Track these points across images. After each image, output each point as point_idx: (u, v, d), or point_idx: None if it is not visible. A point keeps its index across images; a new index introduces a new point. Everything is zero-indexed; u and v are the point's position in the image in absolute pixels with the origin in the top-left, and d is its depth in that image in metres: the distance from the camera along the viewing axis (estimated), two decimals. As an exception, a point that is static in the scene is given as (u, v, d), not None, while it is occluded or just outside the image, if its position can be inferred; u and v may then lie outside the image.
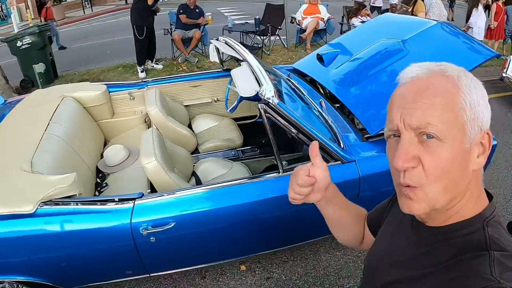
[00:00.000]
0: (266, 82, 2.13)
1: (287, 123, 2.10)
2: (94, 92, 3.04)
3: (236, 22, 9.10)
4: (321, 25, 7.85)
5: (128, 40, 9.05)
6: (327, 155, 2.17)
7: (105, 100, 3.12)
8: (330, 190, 0.93)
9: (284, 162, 2.21)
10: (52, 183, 1.82)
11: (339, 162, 2.21)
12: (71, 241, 1.86)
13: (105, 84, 3.20)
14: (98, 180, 2.68)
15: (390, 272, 0.79)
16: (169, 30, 6.75)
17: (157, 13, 6.03)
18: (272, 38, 7.74)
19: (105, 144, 3.23)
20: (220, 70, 3.67)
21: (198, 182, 2.69)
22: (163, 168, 2.13)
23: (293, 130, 2.13)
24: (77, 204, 1.87)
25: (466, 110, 0.61)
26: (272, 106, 2.02)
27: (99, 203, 1.89)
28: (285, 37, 8.17)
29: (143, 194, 1.97)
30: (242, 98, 2.40)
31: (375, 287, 0.83)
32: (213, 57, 7.08)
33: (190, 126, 3.50)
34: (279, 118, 2.08)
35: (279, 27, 7.71)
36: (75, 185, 1.85)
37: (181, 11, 6.55)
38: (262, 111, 2.03)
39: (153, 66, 6.64)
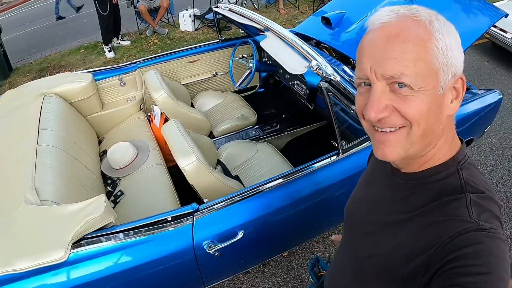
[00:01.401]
0: (317, 56, 1.78)
1: (348, 101, 1.87)
2: (79, 84, 2.47)
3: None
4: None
5: (80, 17, 8.15)
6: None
7: (93, 91, 2.56)
8: None
9: (343, 142, 1.85)
10: (78, 215, 1.35)
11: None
12: (119, 283, 1.44)
13: (89, 71, 2.62)
14: (109, 188, 2.20)
15: (368, 219, 0.79)
16: (132, 1, 5.96)
17: None
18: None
19: (99, 143, 2.71)
20: (217, 41, 3.14)
21: (226, 171, 2.31)
22: (207, 168, 1.70)
23: (353, 107, 1.89)
24: (119, 237, 1.42)
25: (438, 57, 0.58)
26: (335, 83, 1.76)
27: (144, 229, 1.45)
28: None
29: (198, 207, 1.55)
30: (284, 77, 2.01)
31: (355, 235, 0.84)
32: (185, 26, 6.42)
33: (192, 106, 3.03)
34: (341, 96, 1.84)
35: (249, -14, 7.09)
36: (108, 212, 1.39)
37: (143, -22, 5.77)
38: (324, 90, 1.71)
39: (119, 43, 5.89)
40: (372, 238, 0.76)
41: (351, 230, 0.88)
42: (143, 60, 2.85)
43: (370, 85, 0.62)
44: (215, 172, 1.77)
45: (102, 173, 2.31)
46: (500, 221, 0.62)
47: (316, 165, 1.81)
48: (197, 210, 1.53)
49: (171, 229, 1.48)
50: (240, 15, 2.49)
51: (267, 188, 1.69)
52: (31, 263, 1.24)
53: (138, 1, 5.88)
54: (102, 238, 1.37)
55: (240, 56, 3.14)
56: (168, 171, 2.27)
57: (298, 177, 1.77)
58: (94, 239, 1.35)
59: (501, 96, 2.87)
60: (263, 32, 2.28)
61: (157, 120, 2.70)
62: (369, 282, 0.78)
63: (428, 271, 0.60)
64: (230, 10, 2.63)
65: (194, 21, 6.42)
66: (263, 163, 2.40)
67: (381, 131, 0.63)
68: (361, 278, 0.81)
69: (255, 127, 2.95)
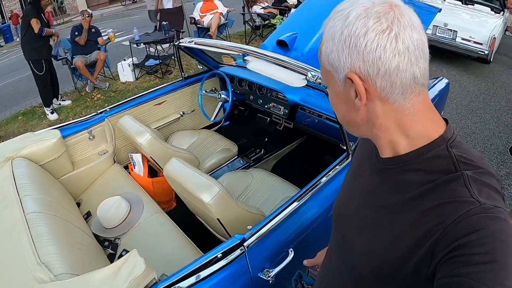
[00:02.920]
0: (311, 69, 1.76)
1: None
2: (47, 143, 2.18)
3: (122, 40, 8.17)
4: (222, 20, 7.45)
5: (9, 84, 7.52)
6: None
7: (62, 149, 2.28)
8: None
9: (351, 143, 1.82)
10: (115, 280, 1.11)
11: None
12: None
13: (54, 128, 2.35)
14: (110, 251, 1.92)
15: (360, 213, 0.75)
16: (67, 59, 5.64)
17: (55, 38, 4.96)
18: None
19: (78, 205, 2.39)
20: (180, 79, 3.03)
21: None
22: (231, 197, 1.56)
23: None
24: None
25: (325, 61, 0.64)
26: None
27: (194, 275, 1.24)
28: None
29: (243, 236, 1.39)
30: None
31: (347, 234, 0.78)
32: (125, 77, 6.21)
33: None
34: None
35: (182, 30, 7.10)
36: (149, 267, 1.17)
37: (76, 33, 5.48)
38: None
39: (60, 104, 5.48)
40: (367, 233, 0.71)
41: (342, 230, 0.82)
42: (109, 108, 2.63)
43: None
44: (238, 201, 1.62)
45: (95, 235, 2.02)
46: (502, 195, 0.60)
47: (338, 166, 1.78)
48: (245, 239, 1.37)
49: (226, 265, 1.30)
50: (209, 45, 2.42)
51: (306, 200, 1.61)
52: None
53: (73, 58, 5.58)
54: None
55: (208, 90, 3.06)
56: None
57: (325, 183, 1.71)
58: None
59: (448, 81, 3.13)
60: (234, 60, 2.24)
61: (138, 169, 2.47)
62: (368, 283, 0.72)
63: (433, 260, 0.57)
64: (195, 43, 2.56)
65: (134, 70, 6.23)
66: (264, 187, 2.29)
67: None
68: (357, 279, 0.75)
69: (240, 157, 2.85)
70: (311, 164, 2.94)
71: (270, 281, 1.41)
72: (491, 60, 6.29)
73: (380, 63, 0.57)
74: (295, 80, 1.74)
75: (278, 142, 3.05)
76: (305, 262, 1.16)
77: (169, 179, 1.76)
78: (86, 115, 2.58)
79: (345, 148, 1.90)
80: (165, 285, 1.19)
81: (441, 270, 0.55)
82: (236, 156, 2.82)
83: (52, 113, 5.11)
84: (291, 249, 1.50)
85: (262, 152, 2.91)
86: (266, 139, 3.04)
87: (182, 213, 2.26)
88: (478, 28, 6.01)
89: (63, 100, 5.57)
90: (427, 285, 0.59)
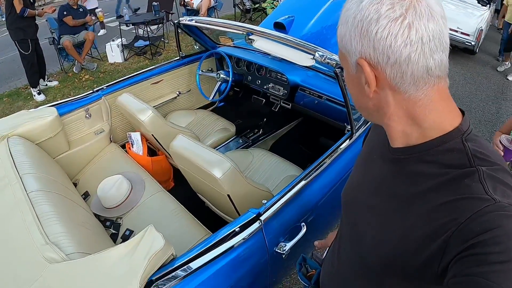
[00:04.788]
0: (318, 49, 1.74)
1: None
2: (43, 120, 2.06)
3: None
4: (212, 2, 7.26)
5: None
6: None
7: (59, 128, 2.16)
8: None
9: (355, 123, 1.81)
10: (133, 256, 1.06)
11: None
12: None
13: (51, 105, 2.24)
14: (113, 230, 1.85)
15: (371, 202, 0.71)
16: (55, 39, 5.39)
17: (40, 16, 4.72)
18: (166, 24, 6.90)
19: (74, 186, 2.30)
20: (178, 59, 2.94)
21: None
22: (241, 173, 1.52)
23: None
24: (189, 269, 1.15)
25: (340, 44, 0.62)
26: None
27: (214, 248, 1.20)
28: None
29: (258, 211, 1.36)
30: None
31: (357, 223, 0.75)
32: (113, 58, 6.00)
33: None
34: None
35: (171, 12, 6.89)
36: (167, 243, 1.12)
37: (64, 13, 5.22)
38: (339, 75, 1.67)
39: (46, 85, 5.26)
40: (377, 224, 0.68)
41: (352, 217, 0.79)
42: (106, 86, 2.51)
43: None
44: (246, 177, 1.58)
45: (95, 216, 1.95)
46: None
47: (342, 146, 1.77)
48: (260, 214, 1.35)
49: (243, 239, 1.27)
50: (211, 24, 2.34)
51: (313, 178, 1.60)
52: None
53: (60, 38, 5.35)
54: (177, 273, 1.10)
55: (204, 70, 2.98)
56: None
57: (333, 160, 1.72)
58: (166, 278, 1.08)
59: None
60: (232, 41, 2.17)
61: (137, 148, 2.39)
62: (377, 274, 0.69)
63: (445, 257, 0.54)
64: (196, 21, 2.46)
65: (123, 51, 6.03)
66: (265, 166, 2.26)
67: None
68: (367, 268, 0.72)
69: (238, 136, 2.80)
70: (308, 146, 2.92)
71: (284, 255, 1.38)
72: (477, 51, 6.38)
73: (390, 52, 0.54)
74: (303, 59, 1.70)
75: (274, 123, 3.01)
76: (315, 243, 1.15)
77: (176, 156, 1.70)
78: (75, 96, 2.47)
79: (349, 127, 1.87)
80: (184, 260, 1.14)
81: (453, 269, 0.53)
82: (235, 136, 2.77)
83: (39, 94, 4.90)
84: (304, 224, 1.48)
85: (260, 132, 2.86)
86: (265, 119, 2.99)
87: (181, 193, 2.20)
88: (466, 19, 6.07)
89: (49, 81, 5.35)
90: (436, 280, 0.57)
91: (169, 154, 2.33)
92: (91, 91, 2.47)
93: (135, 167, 2.27)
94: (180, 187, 2.42)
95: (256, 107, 3.16)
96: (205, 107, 3.30)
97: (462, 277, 0.51)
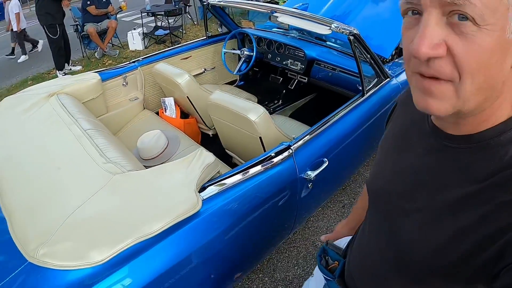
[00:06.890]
0: (334, 21, 1.96)
1: (367, 53, 2.10)
2: (88, 82, 2.28)
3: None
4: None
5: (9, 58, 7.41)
6: (382, 73, 2.27)
7: (101, 91, 2.38)
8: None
9: (366, 84, 2.09)
10: (190, 167, 1.26)
11: (389, 79, 2.31)
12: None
13: (95, 72, 2.45)
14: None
15: (410, 195, 0.61)
16: (79, 25, 5.64)
17: (66, 6, 4.97)
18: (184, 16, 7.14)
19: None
20: (204, 38, 3.17)
21: None
22: (270, 117, 1.76)
23: (369, 57, 2.13)
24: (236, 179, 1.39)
25: None
26: (358, 38, 1.97)
27: (254, 167, 1.43)
28: (195, 13, 7.59)
29: (289, 143, 1.60)
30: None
31: (391, 215, 0.65)
32: (134, 45, 6.24)
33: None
34: (362, 49, 2.05)
35: (189, 4, 7.12)
36: (217, 159, 1.33)
37: (88, 2, 5.48)
38: (352, 42, 1.94)
39: (70, 69, 5.50)
40: (419, 218, 0.58)
41: (383, 208, 0.69)
42: (142, 58, 2.74)
43: (419, 14, 0.46)
44: (274, 123, 1.81)
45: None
46: None
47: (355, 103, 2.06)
48: (290, 146, 1.58)
49: (278, 163, 1.50)
50: (239, 3, 2.56)
51: (335, 120, 1.88)
52: (162, 222, 1.11)
53: (84, 25, 5.59)
54: (225, 181, 1.31)
55: (231, 48, 3.21)
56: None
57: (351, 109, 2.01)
58: (215, 185, 1.29)
59: None
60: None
61: (170, 111, 2.60)
62: (414, 273, 0.59)
63: (500, 262, 0.46)
64: (224, 1, 2.67)
65: (144, 39, 6.27)
66: (286, 128, 2.45)
67: (426, 77, 0.48)
68: (403, 265, 0.62)
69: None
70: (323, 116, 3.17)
71: (309, 185, 1.58)
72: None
73: None
74: (321, 29, 1.92)
75: (290, 97, 3.25)
76: (322, 237, 1.09)
77: (213, 106, 1.90)
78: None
79: (361, 88, 2.09)
80: (227, 175, 1.34)
81: (504, 277, 0.45)
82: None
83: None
84: (326, 159, 1.71)
85: (280, 102, 3.10)
86: (284, 91, 3.20)
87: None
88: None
89: (73, 66, 5.60)
90: (485, 283, 0.50)
91: (200, 118, 2.55)
92: (128, 62, 2.69)
93: (170, 128, 2.47)
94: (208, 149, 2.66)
95: (274, 86, 3.36)
96: (230, 84, 3.51)
97: None
